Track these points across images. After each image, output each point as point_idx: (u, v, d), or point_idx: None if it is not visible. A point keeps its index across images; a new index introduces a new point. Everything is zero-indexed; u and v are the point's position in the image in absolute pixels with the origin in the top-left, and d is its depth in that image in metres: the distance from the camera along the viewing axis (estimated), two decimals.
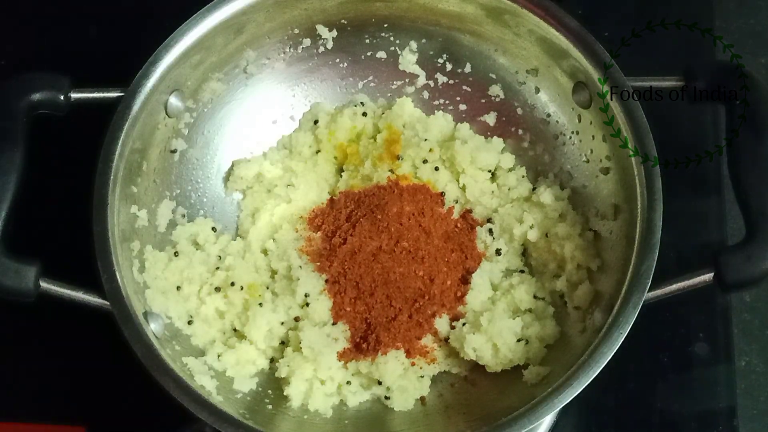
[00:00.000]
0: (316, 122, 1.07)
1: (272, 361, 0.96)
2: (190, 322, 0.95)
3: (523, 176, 1.04)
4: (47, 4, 1.20)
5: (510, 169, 1.04)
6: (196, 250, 0.99)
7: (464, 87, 1.08)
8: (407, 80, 1.08)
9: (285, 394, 0.92)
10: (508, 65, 1.05)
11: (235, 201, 1.05)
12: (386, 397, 0.94)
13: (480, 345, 0.93)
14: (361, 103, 1.08)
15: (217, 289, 0.97)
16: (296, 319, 0.96)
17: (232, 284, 0.96)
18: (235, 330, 0.97)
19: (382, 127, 1.06)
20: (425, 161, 1.03)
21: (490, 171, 1.03)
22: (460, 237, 1.01)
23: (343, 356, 0.95)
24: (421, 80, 1.08)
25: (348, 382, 0.95)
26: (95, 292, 0.85)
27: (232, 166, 1.05)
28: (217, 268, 0.98)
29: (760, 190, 0.86)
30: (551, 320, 0.96)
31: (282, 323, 0.96)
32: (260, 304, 0.96)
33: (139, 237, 0.94)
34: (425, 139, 1.04)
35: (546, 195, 1.00)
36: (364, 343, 0.95)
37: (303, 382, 0.92)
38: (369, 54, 1.08)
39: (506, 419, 0.81)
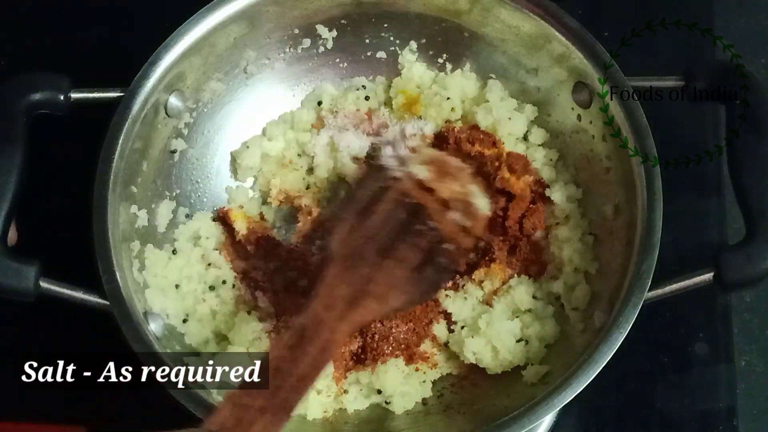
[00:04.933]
0: (319, 103, 1.06)
1: None
2: (185, 321, 0.94)
3: (551, 159, 1.02)
4: (47, 4, 1.20)
5: (540, 145, 1.02)
6: (195, 246, 0.99)
7: None
8: None
9: None
10: (508, 65, 1.05)
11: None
12: (386, 402, 0.94)
13: (479, 348, 0.93)
14: (363, 86, 1.07)
15: (212, 288, 0.97)
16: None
17: (224, 282, 0.96)
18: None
19: (394, 97, 1.05)
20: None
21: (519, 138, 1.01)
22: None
23: (342, 366, 0.95)
24: None
25: (345, 391, 0.94)
26: (95, 292, 0.85)
27: (234, 158, 1.05)
28: (209, 264, 0.98)
29: (760, 190, 0.86)
30: (551, 320, 0.96)
31: (268, 332, 0.95)
32: (248, 312, 0.95)
33: (138, 237, 0.94)
34: (447, 98, 1.03)
35: (557, 194, 0.99)
36: (362, 354, 0.95)
37: None
38: (369, 54, 1.08)
39: (506, 419, 0.81)
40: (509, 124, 1.01)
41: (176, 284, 0.95)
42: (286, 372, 0.72)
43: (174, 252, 0.97)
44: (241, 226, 1.00)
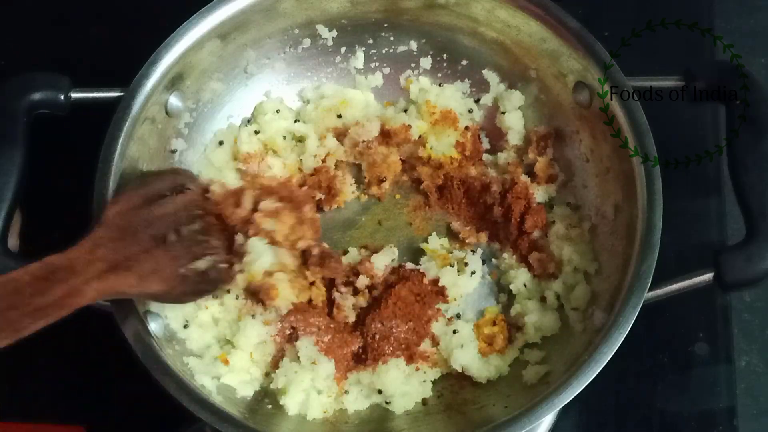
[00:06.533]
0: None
1: (267, 375, 0.95)
2: (185, 326, 0.94)
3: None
4: (47, 4, 1.20)
5: None
6: None
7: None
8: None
9: (281, 404, 0.91)
10: (507, 65, 1.05)
11: None
12: (387, 402, 0.94)
13: (467, 359, 0.94)
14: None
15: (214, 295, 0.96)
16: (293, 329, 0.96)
17: (228, 291, 0.96)
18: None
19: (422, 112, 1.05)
20: None
21: None
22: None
23: (343, 367, 0.95)
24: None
25: (346, 392, 0.94)
26: None
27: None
28: None
29: (760, 190, 0.86)
30: (553, 313, 0.96)
31: (273, 336, 0.96)
32: (252, 316, 0.95)
33: None
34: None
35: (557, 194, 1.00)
36: (363, 354, 0.95)
37: (300, 392, 0.92)
38: (369, 54, 1.08)
39: (506, 419, 0.81)
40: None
41: None
42: (24, 295, 0.71)
43: None
44: None
